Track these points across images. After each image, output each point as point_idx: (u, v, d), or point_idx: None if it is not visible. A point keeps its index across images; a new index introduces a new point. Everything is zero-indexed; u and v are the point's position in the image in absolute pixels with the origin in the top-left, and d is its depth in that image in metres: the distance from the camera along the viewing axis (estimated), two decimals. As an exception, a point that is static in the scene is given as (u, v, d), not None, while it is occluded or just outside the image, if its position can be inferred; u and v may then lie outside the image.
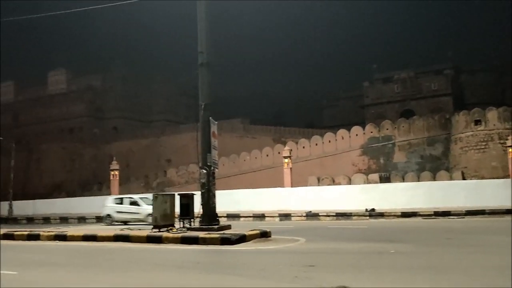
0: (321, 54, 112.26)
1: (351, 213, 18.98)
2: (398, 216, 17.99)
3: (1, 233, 13.86)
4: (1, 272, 6.96)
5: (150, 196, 15.61)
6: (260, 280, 5.70)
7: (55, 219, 25.64)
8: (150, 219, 13.90)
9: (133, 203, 18.28)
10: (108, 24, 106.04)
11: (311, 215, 19.47)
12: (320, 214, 19.49)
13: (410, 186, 23.55)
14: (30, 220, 26.67)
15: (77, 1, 17.52)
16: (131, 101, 68.01)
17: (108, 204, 19.40)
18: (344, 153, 37.70)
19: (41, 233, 12.95)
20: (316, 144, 39.14)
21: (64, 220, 25.02)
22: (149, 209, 14.79)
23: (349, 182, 31.34)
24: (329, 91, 69.21)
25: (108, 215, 18.69)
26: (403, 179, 30.87)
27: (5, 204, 29.19)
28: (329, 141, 38.69)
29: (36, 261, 8.76)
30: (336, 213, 19.25)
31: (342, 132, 38.84)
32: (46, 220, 25.79)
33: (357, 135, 38.24)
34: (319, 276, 5.78)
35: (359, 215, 18.77)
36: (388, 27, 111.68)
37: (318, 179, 32.94)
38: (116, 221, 18.04)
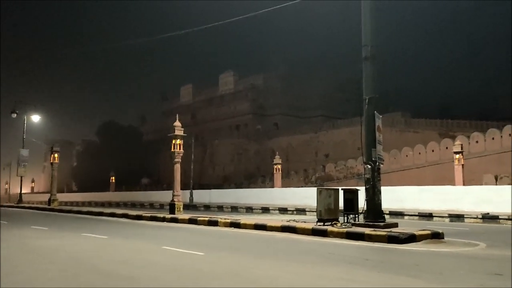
0: (494, 34, 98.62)
1: (542, 218, 16.32)
2: None
3: (187, 218, 16.03)
4: (193, 252, 8.07)
5: None
6: (440, 285, 5.34)
7: (227, 207, 27.89)
8: None
9: None
10: (268, 26, 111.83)
11: (489, 218, 17.35)
12: (500, 217, 17.26)
13: None
14: (207, 207, 29.58)
15: (245, 7, 18.88)
16: (290, 98, 70.65)
17: None
18: (531, 149, 32.54)
19: (219, 219, 14.54)
20: (493, 138, 34.71)
21: (234, 209, 27.20)
22: None
23: (538, 182, 26.94)
24: (509, 76, 60.49)
25: None
26: None
27: (186, 193, 33.08)
28: (510, 135, 33.89)
29: (218, 245, 9.87)
30: (522, 217, 16.78)
31: (527, 123, 33.63)
32: (220, 208, 28.36)
33: (548, 127, 32.63)
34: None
35: (554, 221, 16.02)
36: None
37: (496, 178, 29.18)
38: None
